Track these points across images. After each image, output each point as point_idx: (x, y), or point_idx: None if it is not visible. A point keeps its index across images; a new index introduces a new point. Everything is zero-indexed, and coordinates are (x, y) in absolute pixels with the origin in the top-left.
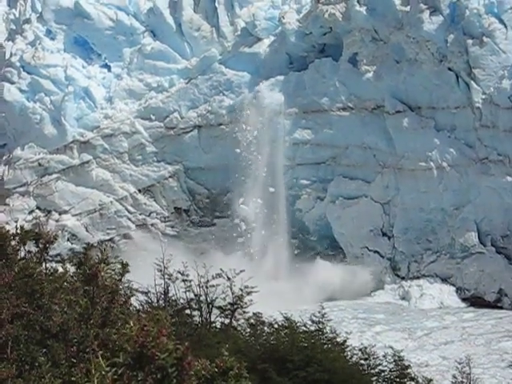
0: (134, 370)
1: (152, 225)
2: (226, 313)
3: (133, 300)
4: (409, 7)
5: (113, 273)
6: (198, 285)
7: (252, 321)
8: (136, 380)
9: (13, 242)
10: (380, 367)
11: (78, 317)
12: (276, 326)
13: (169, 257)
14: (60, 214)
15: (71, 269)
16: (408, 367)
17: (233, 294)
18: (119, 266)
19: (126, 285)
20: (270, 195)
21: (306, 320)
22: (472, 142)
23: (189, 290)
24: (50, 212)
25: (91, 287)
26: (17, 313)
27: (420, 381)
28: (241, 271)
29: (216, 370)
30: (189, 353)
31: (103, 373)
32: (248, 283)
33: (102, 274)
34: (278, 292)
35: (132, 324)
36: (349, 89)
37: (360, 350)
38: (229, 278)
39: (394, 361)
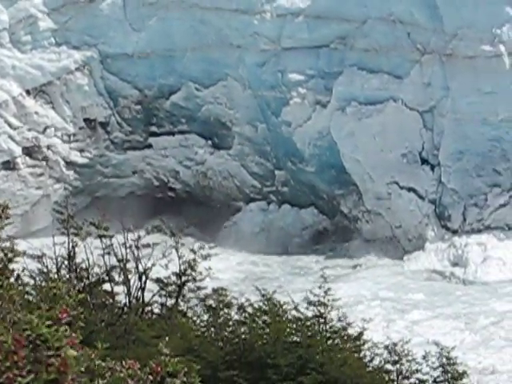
0: None
1: (48, 147)
2: (170, 289)
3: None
4: None
5: None
6: (124, 244)
7: (211, 302)
8: None
9: None
10: (419, 375)
11: None
12: (250, 309)
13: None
14: None
15: None
16: (463, 375)
17: (180, 258)
18: None
19: (6, 244)
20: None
21: (299, 300)
22: None
23: (109, 253)
24: None
25: None
26: None
27: None
28: (191, 223)
29: (150, 376)
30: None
31: None
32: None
33: None
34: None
35: None
36: None
37: (386, 347)
38: (173, 234)
39: (441, 365)
